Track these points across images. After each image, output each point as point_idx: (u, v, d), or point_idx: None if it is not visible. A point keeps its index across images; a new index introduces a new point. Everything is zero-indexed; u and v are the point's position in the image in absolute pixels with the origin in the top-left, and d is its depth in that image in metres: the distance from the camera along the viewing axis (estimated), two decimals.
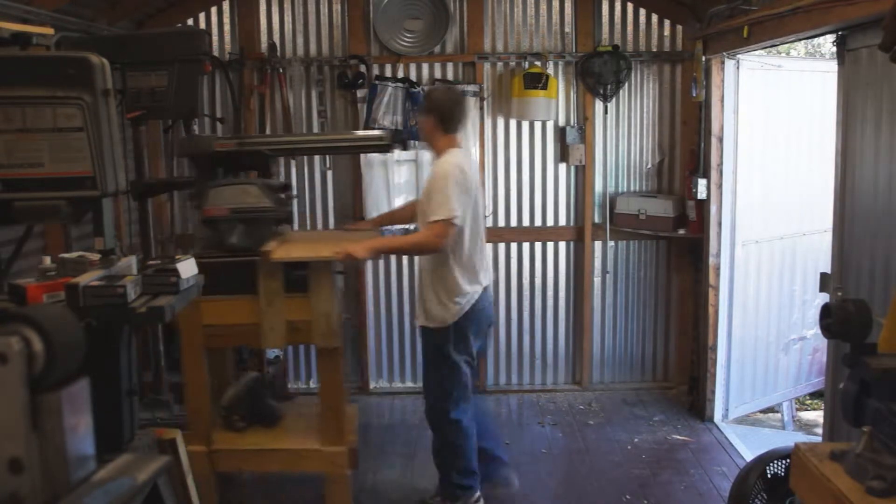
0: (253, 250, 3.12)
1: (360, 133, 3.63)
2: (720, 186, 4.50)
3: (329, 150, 4.06)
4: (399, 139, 3.40)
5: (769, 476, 2.67)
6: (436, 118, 3.32)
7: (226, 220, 3.22)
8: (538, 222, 5.01)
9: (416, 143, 4.70)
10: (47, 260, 1.99)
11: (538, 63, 4.76)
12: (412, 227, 4.48)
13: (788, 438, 4.58)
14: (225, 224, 3.23)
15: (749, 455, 3.90)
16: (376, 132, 3.45)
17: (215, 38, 4.79)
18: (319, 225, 4.95)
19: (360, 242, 3.21)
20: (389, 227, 4.25)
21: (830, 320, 1.82)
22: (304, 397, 3.82)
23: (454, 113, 3.37)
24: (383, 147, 3.40)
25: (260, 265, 3.08)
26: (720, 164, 4.49)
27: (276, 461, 3.32)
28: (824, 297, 3.53)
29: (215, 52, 4.66)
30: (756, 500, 2.66)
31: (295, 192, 4.66)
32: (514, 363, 5.14)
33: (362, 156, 4.74)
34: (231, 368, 3.80)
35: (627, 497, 3.71)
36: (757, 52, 4.38)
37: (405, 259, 4.97)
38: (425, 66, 4.85)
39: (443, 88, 3.66)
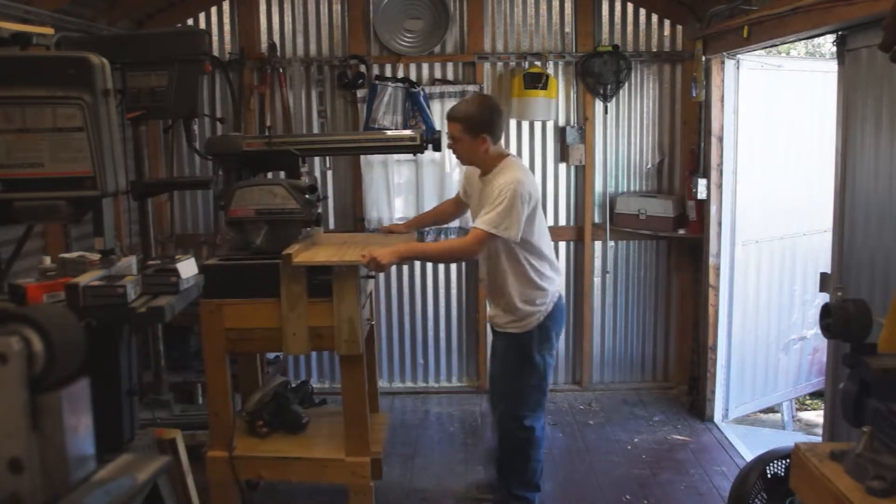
0: (278, 253, 3.03)
1: (391, 133, 3.53)
2: (720, 186, 4.50)
3: (360, 150, 3.95)
4: (432, 139, 3.29)
5: (769, 476, 2.68)
6: (488, 134, 3.10)
7: (251, 221, 3.16)
8: None
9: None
10: (47, 260, 1.99)
11: (538, 63, 4.76)
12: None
13: (788, 438, 4.58)
14: (250, 225, 3.17)
15: (749, 455, 3.90)
16: (407, 132, 3.37)
17: (215, 38, 4.79)
18: None
19: (386, 247, 3.05)
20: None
21: (830, 320, 1.82)
22: (333, 405, 3.72)
23: (497, 120, 3.16)
24: (415, 147, 3.33)
25: (282, 269, 3.00)
26: (720, 164, 4.49)
27: (297, 470, 3.23)
28: (824, 297, 3.53)
29: (215, 52, 4.66)
30: (756, 500, 2.67)
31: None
32: None
33: (362, 156, 4.74)
34: (260, 372, 3.73)
35: (627, 497, 3.71)
36: (757, 52, 4.38)
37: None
38: (425, 66, 4.85)
39: (472, 100, 3.27)
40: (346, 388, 3.16)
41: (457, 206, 3.63)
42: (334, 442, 3.24)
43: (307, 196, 3.15)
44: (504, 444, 3.40)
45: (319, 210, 3.29)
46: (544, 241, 3.27)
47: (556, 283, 3.32)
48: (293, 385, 3.74)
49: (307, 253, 3.09)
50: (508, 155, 3.24)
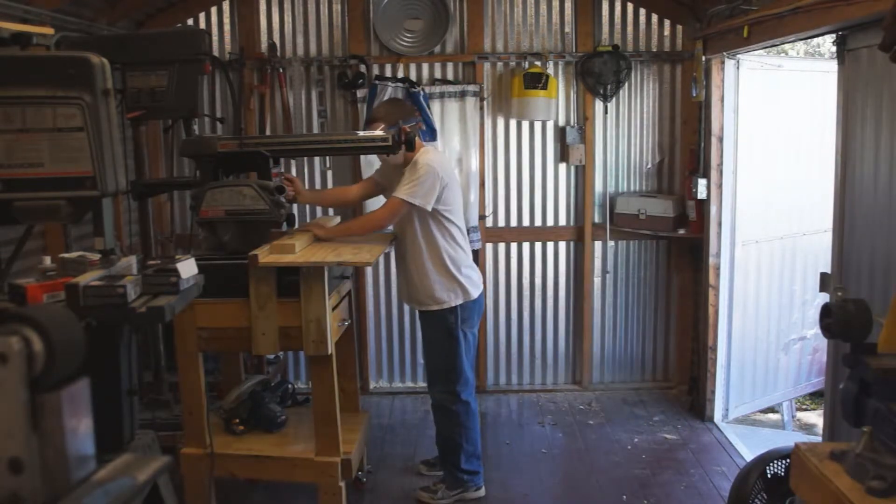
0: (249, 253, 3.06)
1: (363, 134, 3.58)
2: (720, 186, 4.50)
3: (330, 150, 4.03)
4: (405, 139, 3.32)
5: (769, 476, 2.67)
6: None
7: (221, 221, 3.19)
8: (538, 222, 5.01)
9: (426, 142, 4.71)
10: (47, 260, 1.99)
11: (538, 63, 4.76)
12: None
13: (788, 438, 4.58)
14: (221, 226, 3.21)
15: (749, 455, 3.90)
16: (379, 133, 3.40)
17: (215, 38, 4.79)
18: None
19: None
20: None
21: (830, 320, 1.82)
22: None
23: (408, 108, 3.72)
24: (387, 148, 3.36)
25: (250, 269, 3.03)
26: (720, 164, 4.49)
27: (268, 469, 3.27)
28: (824, 297, 3.53)
29: (215, 52, 4.66)
30: (756, 500, 2.66)
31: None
32: (514, 363, 5.14)
33: (362, 156, 4.74)
34: (241, 370, 3.76)
35: (627, 497, 3.72)
36: (757, 52, 4.38)
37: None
38: (425, 66, 4.85)
39: (384, 101, 3.93)
40: (316, 388, 3.18)
41: (365, 191, 3.87)
42: (309, 442, 3.26)
43: (275, 197, 3.17)
44: (444, 423, 3.67)
45: (290, 210, 3.33)
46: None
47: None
48: (273, 384, 3.76)
49: (276, 254, 3.10)
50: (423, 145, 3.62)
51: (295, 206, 4.09)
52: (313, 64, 4.82)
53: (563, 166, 4.95)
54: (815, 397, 5.50)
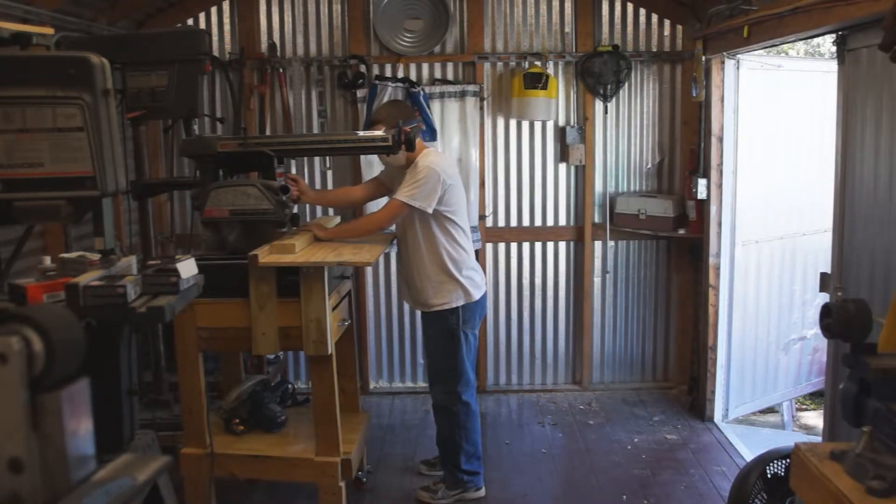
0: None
1: (363, 134, 3.59)
2: (720, 186, 4.50)
3: (331, 150, 4.04)
4: (405, 139, 3.33)
5: (769, 476, 2.67)
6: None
7: (226, 221, 3.20)
8: (538, 222, 5.01)
9: (427, 142, 4.71)
10: (47, 260, 1.99)
11: (538, 63, 4.76)
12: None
13: (788, 438, 4.58)
14: (225, 225, 3.22)
15: (749, 455, 3.90)
16: (379, 133, 3.40)
17: (215, 38, 4.79)
18: None
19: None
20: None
21: (830, 320, 1.82)
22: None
23: (406, 111, 3.69)
24: (386, 148, 3.36)
25: (250, 269, 3.03)
26: (720, 164, 4.49)
27: (268, 469, 3.27)
28: (824, 297, 3.53)
29: (215, 52, 4.66)
30: (756, 500, 2.66)
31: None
32: (514, 363, 5.14)
33: (362, 156, 4.74)
34: (241, 370, 3.77)
35: (627, 497, 3.71)
36: (757, 52, 4.38)
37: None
38: (425, 66, 4.85)
39: (384, 104, 4.08)
40: (316, 388, 3.18)
41: (370, 191, 3.87)
42: (309, 442, 3.27)
43: (279, 197, 3.17)
44: (444, 423, 3.68)
45: (294, 210, 3.33)
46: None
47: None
48: (273, 384, 3.76)
49: (276, 254, 3.10)
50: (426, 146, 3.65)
51: (296, 206, 4.09)
52: (313, 64, 4.82)
53: (563, 166, 4.95)
54: (815, 397, 5.50)
